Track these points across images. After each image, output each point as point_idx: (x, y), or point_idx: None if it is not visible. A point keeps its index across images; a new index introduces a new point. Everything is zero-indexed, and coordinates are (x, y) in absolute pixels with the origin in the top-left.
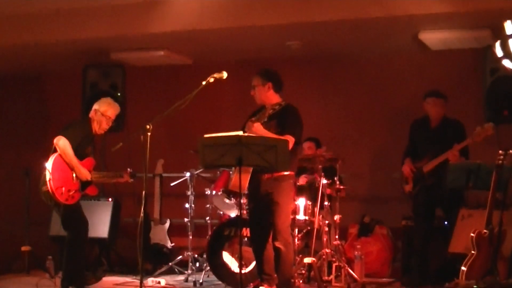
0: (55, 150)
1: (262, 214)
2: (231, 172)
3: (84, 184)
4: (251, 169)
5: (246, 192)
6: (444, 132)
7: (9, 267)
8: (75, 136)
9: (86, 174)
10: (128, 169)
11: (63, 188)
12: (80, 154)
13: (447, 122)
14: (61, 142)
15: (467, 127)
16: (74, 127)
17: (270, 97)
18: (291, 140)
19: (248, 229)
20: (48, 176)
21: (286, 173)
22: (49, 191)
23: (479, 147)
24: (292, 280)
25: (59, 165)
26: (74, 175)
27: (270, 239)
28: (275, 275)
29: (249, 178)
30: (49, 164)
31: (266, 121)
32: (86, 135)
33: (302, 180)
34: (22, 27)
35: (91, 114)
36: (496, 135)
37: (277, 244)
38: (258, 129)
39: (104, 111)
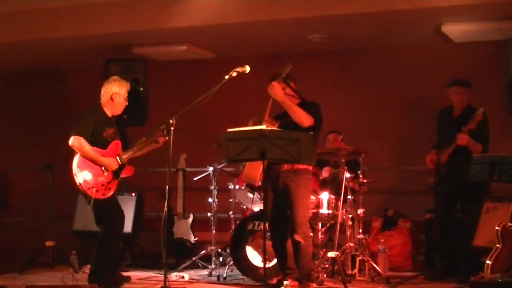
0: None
1: (280, 207)
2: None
3: (118, 169)
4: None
5: (259, 184)
6: (465, 121)
7: (33, 262)
8: (86, 128)
9: (111, 164)
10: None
11: (94, 188)
12: (100, 141)
13: (469, 111)
14: (76, 142)
15: (490, 118)
16: (82, 120)
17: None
18: (310, 118)
19: (267, 224)
20: (77, 180)
21: (304, 167)
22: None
23: (501, 139)
24: (313, 273)
25: (84, 164)
26: (102, 167)
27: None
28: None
29: (261, 169)
30: (74, 167)
31: (285, 117)
32: (99, 121)
33: (325, 173)
34: (45, 22)
35: (109, 98)
36: None
37: (296, 237)
38: (278, 91)
39: (123, 93)
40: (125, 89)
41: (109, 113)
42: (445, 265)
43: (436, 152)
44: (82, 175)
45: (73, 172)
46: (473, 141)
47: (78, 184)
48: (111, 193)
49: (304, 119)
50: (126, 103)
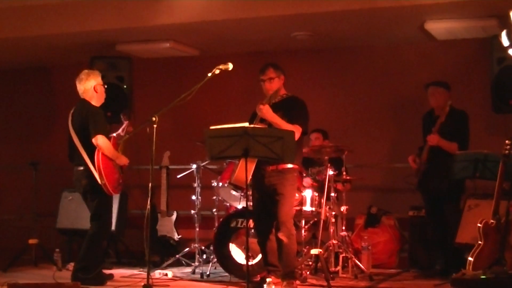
0: (89, 147)
1: (266, 205)
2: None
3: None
4: (255, 160)
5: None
6: (445, 121)
7: (18, 260)
8: (105, 126)
9: (125, 159)
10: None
11: (116, 183)
12: (107, 137)
13: (450, 112)
14: (102, 141)
15: (474, 116)
16: (99, 118)
17: (281, 89)
18: (298, 130)
19: (253, 223)
20: (102, 180)
21: (290, 166)
22: (91, 183)
23: (485, 137)
24: (298, 271)
25: (105, 161)
26: (114, 163)
27: (273, 230)
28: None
29: (252, 170)
30: (98, 164)
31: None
32: (105, 116)
33: (306, 183)
34: (29, 19)
35: (92, 91)
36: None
37: (280, 235)
38: (268, 111)
39: (100, 81)
40: (99, 76)
41: (97, 104)
42: (444, 263)
43: (418, 153)
44: (106, 175)
45: (98, 172)
46: (446, 141)
47: (103, 184)
48: (121, 188)
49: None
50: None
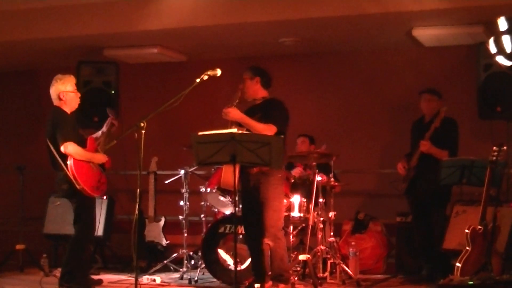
0: (62, 154)
1: (253, 209)
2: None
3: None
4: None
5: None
6: (437, 128)
7: (4, 265)
8: (71, 132)
9: (102, 157)
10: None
11: (95, 184)
12: (79, 141)
13: (442, 120)
14: (70, 148)
15: (461, 123)
16: (64, 125)
17: (257, 91)
18: (272, 129)
19: (243, 227)
20: (78, 185)
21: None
22: (71, 188)
23: (472, 143)
24: (286, 275)
25: (79, 166)
26: (91, 164)
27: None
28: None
29: (238, 174)
30: (72, 171)
31: (250, 114)
32: (73, 122)
33: (296, 172)
34: (16, 23)
35: (59, 98)
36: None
37: (266, 240)
38: (235, 113)
39: (70, 88)
40: (69, 83)
41: (68, 111)
42: (431, 268)
43: (407, 160)
44: (80, 177)
45: (73, 178)
46: (437, 149)
47: (80, 188)
48: (106, 187)
49: (266, 133)
50: (79, 95)
